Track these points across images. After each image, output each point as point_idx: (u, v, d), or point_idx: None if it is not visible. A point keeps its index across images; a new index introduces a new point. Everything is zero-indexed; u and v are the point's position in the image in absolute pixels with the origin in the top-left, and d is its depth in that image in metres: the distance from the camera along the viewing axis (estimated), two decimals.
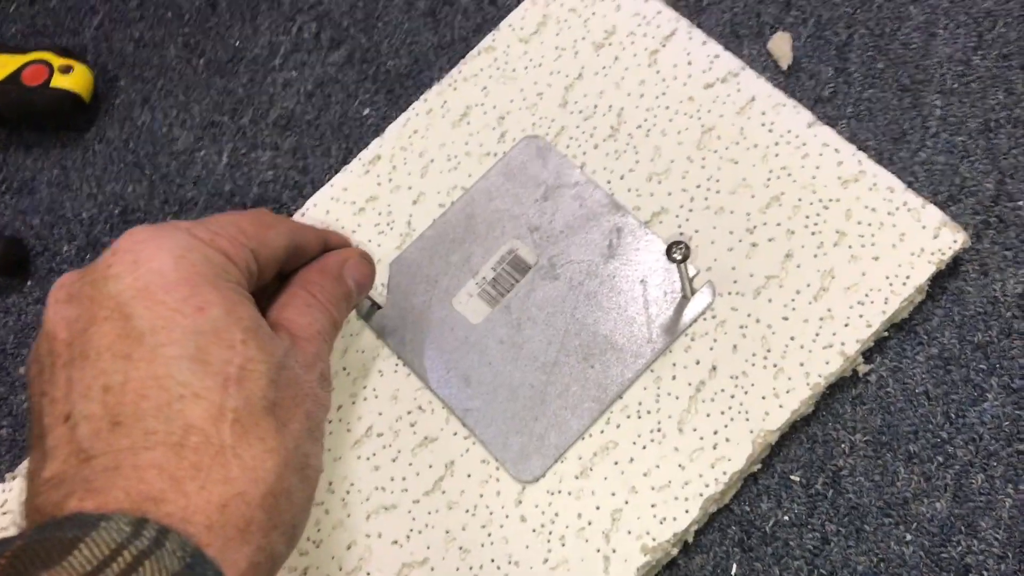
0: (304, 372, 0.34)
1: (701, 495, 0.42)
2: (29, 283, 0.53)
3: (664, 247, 0.46)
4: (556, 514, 0.43)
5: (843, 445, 0.44)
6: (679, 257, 0.41)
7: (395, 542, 0.43)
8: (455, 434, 0.45)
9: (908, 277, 0.44)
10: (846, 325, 0.44)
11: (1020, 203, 0.46)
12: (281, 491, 0.30)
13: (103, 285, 0.31)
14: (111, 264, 0.32)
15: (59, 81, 0.54)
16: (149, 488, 0.28)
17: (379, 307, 0.48)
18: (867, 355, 0.44)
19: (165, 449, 0.29)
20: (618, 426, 0.44)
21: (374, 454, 0.45)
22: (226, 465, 0.29)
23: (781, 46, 0.51)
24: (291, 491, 0.31)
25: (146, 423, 0.29)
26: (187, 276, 0.31)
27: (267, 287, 0.38)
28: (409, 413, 0.46)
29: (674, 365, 0.44)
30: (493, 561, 0.43)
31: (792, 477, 0.44)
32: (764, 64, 0.51)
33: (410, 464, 0.45)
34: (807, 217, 0.46)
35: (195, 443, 0.29)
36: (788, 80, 0.50)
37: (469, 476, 0.44)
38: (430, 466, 0.45)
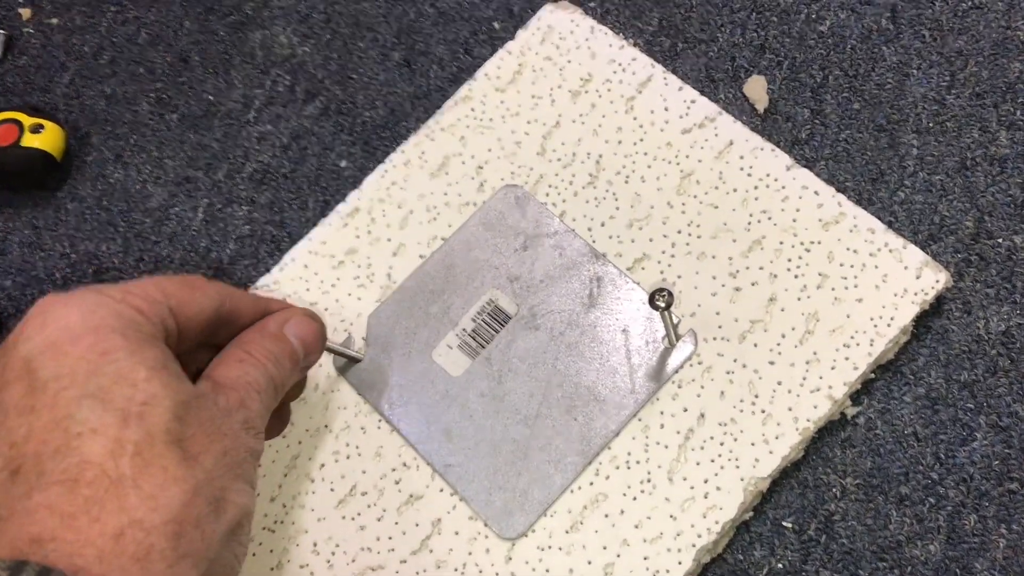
0: (224, 415, 0.33)
1: (694, 546, 0.41)
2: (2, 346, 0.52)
3: (645, 295, 0.46)
4: (547, 570, 0.42)
5: (834, 489, 0.43)
6: (662, 304, 0.41)
7: None
8: (441, 491, 0.44)
9: (892, 318, 0.44)
10: (833, 368, 0.43)
11: (1000, 240, 0.46)
12: (187, 519, 0.30)
13: (13, 349, 0.32)
14: (22, 330, 0.32)
15: (30, 141, 0.54)
16: (39, 529, 0.28)
17: (358, 360, 0.47)
18: (855, 397, 0.44)
19: (59, 488, 0.29)
20: (607, 477, 0.43)
21: (359, 513, 0.44)
22: (123, 496, 0.29)
23: (757, 89, 0.51)
24: (200, 521, 0.31)
25: (42, 466, 0.29)
26: (94, 327, 0.32)
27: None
28: (393, 470, 0.45)
29: (662, 413, 0.44)
30: None
31: (785, 524, 0.43)
32: (741, 108, 0.51)
33: (396, 523, 0.44)
34: (789, 260, 0.46)
35: (90, 478, 0.29)
36: (765, 123, 0.51)
37: (457, 534, 0.43)
38: (416, 524, 0.44)
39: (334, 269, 0.49)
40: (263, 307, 0.39)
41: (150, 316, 0.34)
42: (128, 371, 0.31)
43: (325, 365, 0.47)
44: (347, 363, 0.47)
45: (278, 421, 0.42)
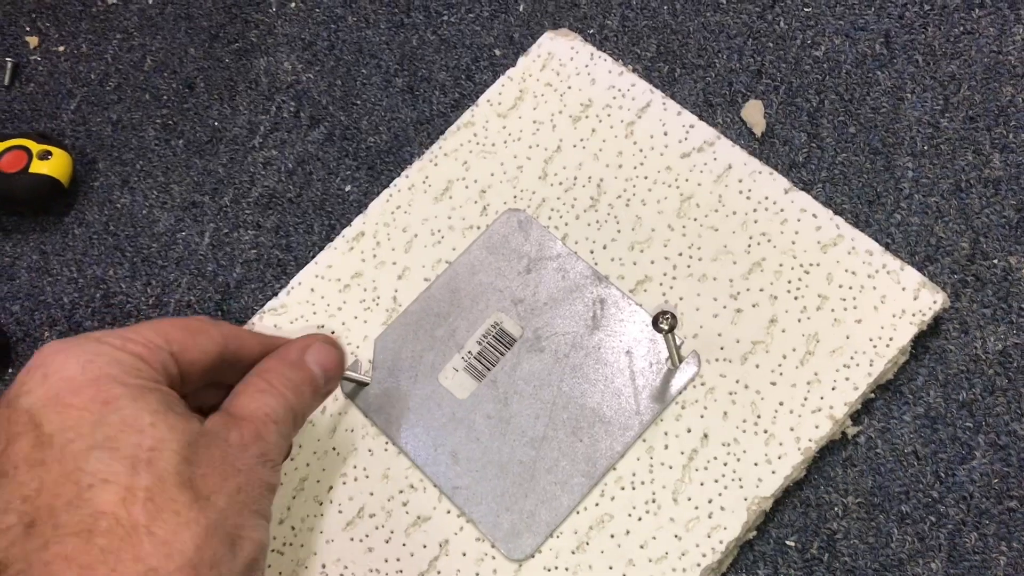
0: (239, 450, 0.34)
1: (699, 565, 0.42)
2: (10, 371, 0.53)
3: (648, 317, 0.47)
4: None
5: (836, 508, 0.44)
6: (666, 327, 0.41)
7: None
8: (448, 512, 0.45)
9: (891, 339, 0.45)
10: (833, 388, 0.44)
11: (995, 261, 0.47)
12: (202, 561, 0.30)
13: (16, 403, 0.32)
14: (24, 382, 0.33)
15: (38, 167, 0.54)
16: None
17: (365, 384, 0.48)
18: (855, 417, 0.45)
19: (75, 539, 0.29)
20: (612, 498, 0.44)
21: (367, 535, 0.45)
22: (137, 544, 0.29)
23: (754, 114, 0.52)
24: (216, 561, 0.31)
25: (57, 519, 0.30)
26: (94, 377, 0.32)
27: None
28: (401, 492, 0.45)
29: (666, 434, 0.44)
30: None
31: (788, 542, 0.44)
32: (738, 132, 0.52)
33: (404, 544, 0.44)
34: (789, 282, 0.46)
35: (104, 527, 0.30)
36: (762, 147, 0.51)
37: (464, 555, 0.44)
38: (424, 546, 0.44)
39: (340, 293, 0.50)
40: (269, 346, 0.39)
41: (151, 362, 0.34)
42: (133, 418, 0.31)
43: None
44: (355, 387, 0.48)
45: None
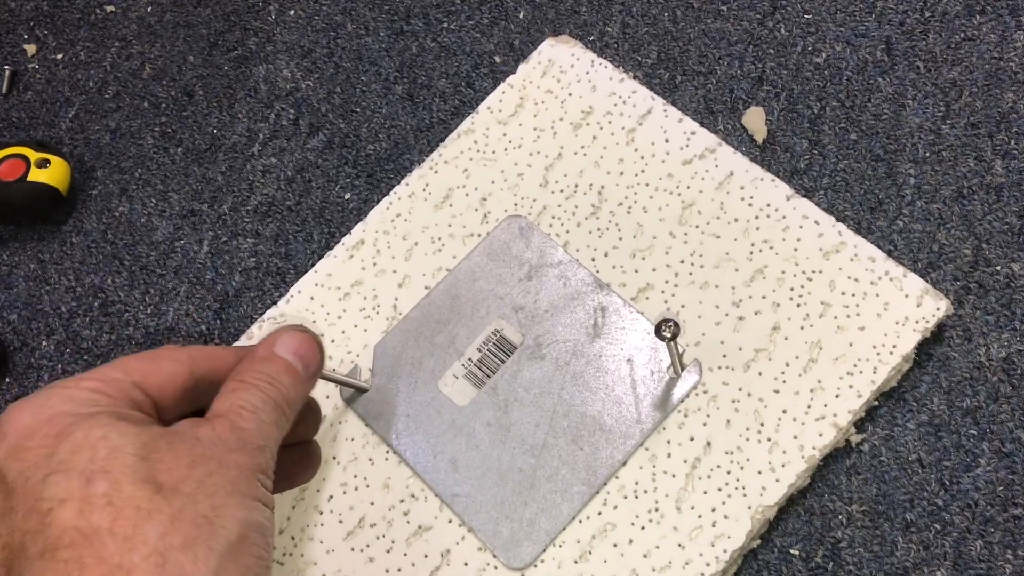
0: (211, 443, 0.33)
1: (703, 574, 0.42)
2: (7, 380, 0.52)
3: (649, 325, 0.46)
4: None
5: (840, 516, 0.44)
6: (669, 335, 0.41)
7: None
8: (450, 522, 0.44)
9: (895, 346, 0.44)
10: (837, 396, 0.44)
11: (998, 268, 0.47)
12: (171, 546, 0.30)
13: None
14: None
15: (36, 175, 0.54)
16: None
17: (364, 391, 0.47)
18: (859, 425, 0.45)
19: (40, 561, 0.30)
20: (615, 507, 0.43)
21: (368, 545, 0.44)
22: (100, 546, 0.30)
23: (755, 121, 0.52)
24: (190, 543, 0.30)
25: (27, 551, 0.30)
26: (47, 418, 0.33)
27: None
28: (402, 502, 0.45)
29: (668, 442, 0.44)
30: None
31: (792, 551, 0.43)
32: (740, 139, 0.52)
33: (405, 554, 0.44)
34: (791, 289, 0.46)
35: (67, 542, 0.30)
36: (764, 154, 0.51)
37: (466, 565, 0.43)
38: (425, 556, 0.44)
39: (340, 301, 0.50)
40: (244, 356, 0.39)
41: (109, 393, 0.34)
42: (83, 439, 0.32)
43: (332, 397, 0.48)
44: (354, 394, 0.47)
45: (307, 459, 0.42)
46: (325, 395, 0.48)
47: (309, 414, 0.41)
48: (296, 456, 0.40)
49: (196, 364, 0.37)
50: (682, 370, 0.45)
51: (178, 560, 0.30)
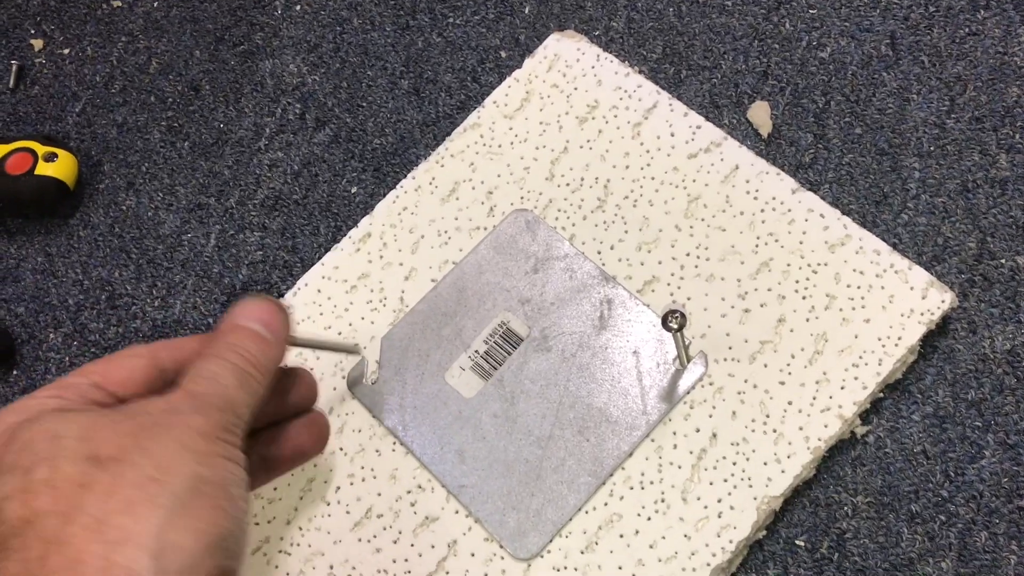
0: (162, 412, 0.33)
1: (708, 565, 0.42)
2: (15, 372, 0.53)
3: (655, 317, 0.47)
4: None
5: (846, 507, 0.44)
6: (675, 326, 0.41)
7: None
8: (456, 512, 0.44)
9: (900, 338, 0.45)
10: (842, 388, 0.44)
11: (1003, 261, 0.47)
12: (113, 511, 0.30)
13: None
14: None
15: (44, 169, 0.54)
16: None
17: (354, 353, 0.47)
18: (864, 416, 0.45)
19: (16, 555, 0.30)
20: (621, 498, 0.44)
21: (375, 536, 0.45)
22: (41, 528, 0.30)
23: (760, 115, 0.52)
24: (135, 503, 0.30)
25: None
26: None
27: None
28: (409, 492, 0.45)
29: (674, 434, 0.44)
30: None
31: (797, 542, 0.43)
32: (745, 133, 0.52)
33: (412, 545, 0.44)
34: (797, 282, 0.46)
35: (15, 530, 0.30)
36: (769, 147, 0.52)
37: (473, 555, 0.43)
38: (432, 546, 0.44)
39: (347, 294, 0.50)
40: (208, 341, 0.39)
41: (63, 396, 0.34)
42: (28, 438, 0.32)
43: (339, 388, 0.48)
44: (360, 384, 0.47)
45: (313, 430, 0.41)
46: (332, 387, 0.48)
47: (299, 383, 0.41)
48: (301, 428, 0.40)
49: (158, 356, 0.37)
50: (688, 362, 0.45)
51: (117, 523, 0.30)
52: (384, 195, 0.52)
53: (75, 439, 0.32)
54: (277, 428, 0.40)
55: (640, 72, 0.54)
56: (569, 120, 0.52)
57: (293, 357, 0.48)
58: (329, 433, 0.42)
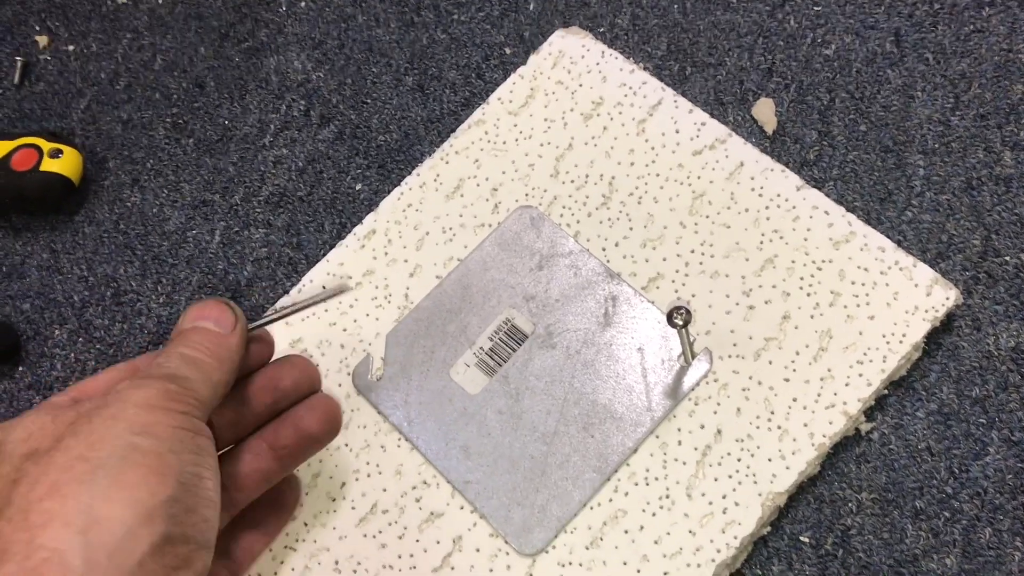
0: (100, 402, 0.34)
1: (713, 561, 0.42)
2: (21, 369, 0.53)
3: (660, 314, 0.47)
4: None
5: (850, 504, 0.44)
6: (680, 322, 0.41)
7: None
8: (462, 508, 0.45)
9: (904, 335, 0.45)
10: (847, 384, 0.44)
11: (1007, 258, 0.47)
12: (30, 503, 0.31)
13: None
14: None
15: (49, 165, 0.54)
16: None
17: (347, 290, 0.47)
18: (868, 413, 0.45)
19: None
20: (626, 494, 0.44)
21: (380, 531, 0.45)
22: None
23: (765, 112, 0.52)
24: (58, 488, 0.31)
25: None
26: None
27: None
28: (414, 488, 0.45)
29: (679, 430, 0.44)
30: None
31: (802, 538, 0.44)
32: (749, 130, 0.52)
33: (417, 540, 0.44)
34: (801, 279, 0.46)
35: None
36: (774, 145, 0.52)
37: (478, 551, 0.44)
38: (438, 542, 0.44)
39: (352, 290, 0.50)
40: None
41: (37, 414, 0.35)
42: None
43: (344, 385, 0.48)
44: (367, 381, 0.48)
45: (319, 412, 0.41)
46: (338, 383, 0.48)
47: (292, 368, 0.41)
48: (304, 412, 0.41)
49: (137, 368, 0.38)
50: (693, 358, 0.45)
51: (41, 508, 0.30)
52: (389, 192, 0.53)
53: (17, 441, 0.33)
54: (281, 415, 0.40)
55: (645, 69, 0.54)
56: (574, 117, 0.52)
57: (287, 345, 0.48)
58: (339, 414, 0.41)
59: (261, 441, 0.39)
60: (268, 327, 0.41)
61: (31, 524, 0.30)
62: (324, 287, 0.48)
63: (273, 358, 0.42)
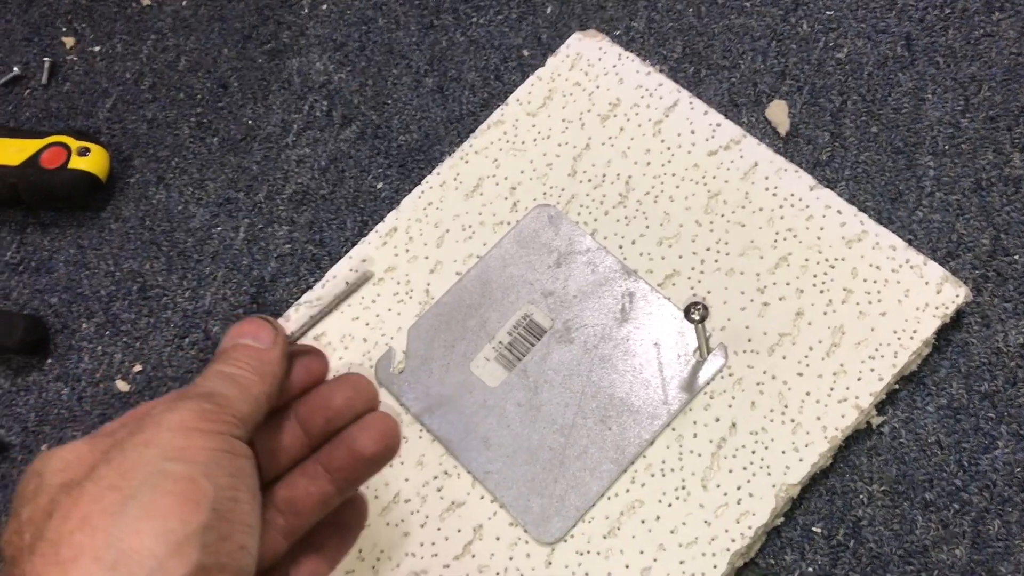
0: (137, 422, 0.33)
1: (728, 550, 0.43)
2: (49, 361, 0.54)
3: (676, 310, 0.48)
4: (586, 574, 0.43)
5: (861, 496, 0.45)
6: (698, 317, 0.42)
7: None
8: (482, 498, 0.46)
9: (915, 331, 0.46)
10: (859, 379, 0.45)
11: (1016, 257, 0.48)
12: (69, 531, 0.30)
13: None
14: None
15: (77, 163, 0.56)
16: None
17: (369, 277, 0.47)
18: (880, 407, 0.46)
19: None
20: (643, 485, 0.45)
21: (402, 520, 0.46)
22: (33, 552, 0.30)
23: (778, 113, 0.53)
24: (88, 519, 0.30)
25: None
26: None
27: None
28: (435, 478, 0.46)
29: (695, 423, 0.45)
30: None
31: (814, 529, 0.45)
32: (763, 131, 0.53)
33: (439, 529, 0.45)
34: (815, 276, 0.48)
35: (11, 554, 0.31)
36: (787, 145, 0.53)
37: (498, 539, 0.45)
38: (459, 530, 0.45)
39: (374, 286, 0.51)
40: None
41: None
42: (21, 485, 0.33)
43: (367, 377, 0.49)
44: (389, 374, 0.49)
45: (371, 431, 0.38)
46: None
47: (344, 387, 0.38)
48: (357, 432, 0.38)
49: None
50: (708, 353, 0.47)
51: (72, 542, 0.29)
52: (409, 191, 0.54)
53: (54, 472, 0.31)
54: (336, 436, 0.38)
55: (661, 71, 0.55)
56: (591, 117, 0.53)
57: (310, 339, 0.49)
58: (396, 433, 0.38)
59: (316, 464, 0.37)
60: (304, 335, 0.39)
61: (62, 559, 0.29)
62: (347, 282, 0.50)
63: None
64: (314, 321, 0.40)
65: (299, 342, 0.38)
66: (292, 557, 0.38)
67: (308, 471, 0.37)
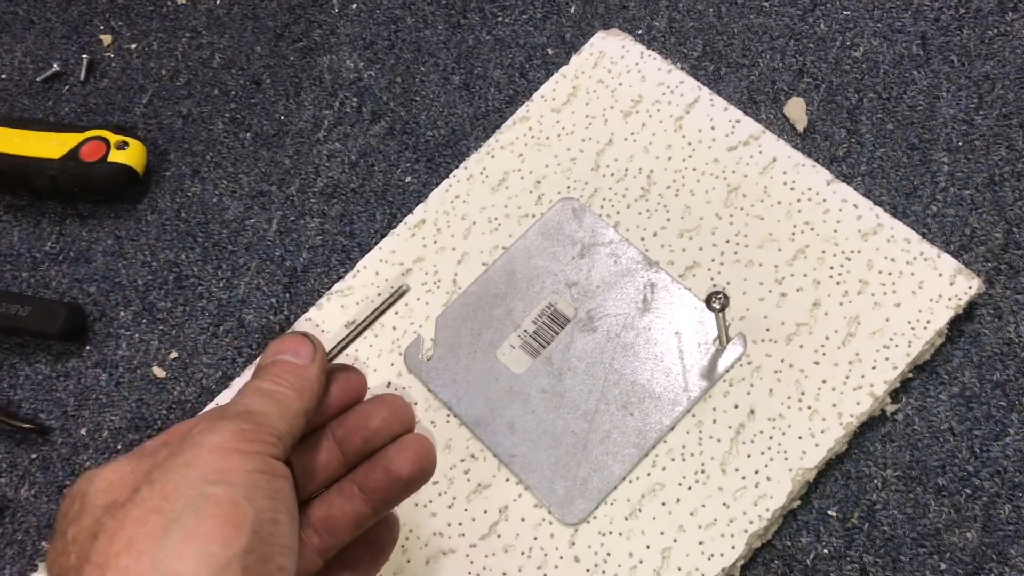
0: (179, 443, 0.33)
1: (746, 531, 0.44)
2: (88, 348, 0.56)
3: (697, 300, 0.49)
4: (608, 554, 0.45)
5: (876, 480, 0.46)
6: (718, 306, 0.44)
7: None
8: (507, 480, 0.47)
9: (928, 321, 0.47)
10: (873, 367, 0.47)
11: None
12: (113, 554, 0.30)
13: None
14: None
15: (116, 156, 0.58)
16: None
17: (405, 291, 0.48)
18: (894, 395, 0.47)
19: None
20: (664, 469, 0.46)
21: (431, 501, 0.47)
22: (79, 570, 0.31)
23: (796, 110, 0.55)
24: (134, 542, 0.30)
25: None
26: None
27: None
28: (462, 461, 0.48)
29: (714, 409, 0.47)
30: None
31: (830, 512, 0.46)
32: (781, 127, 0.55)
33: (465, 510, 0.47)
34: (831, 268, 0.49)
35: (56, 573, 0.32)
36: (804, 141, 0.54)
37: (523, 520, 0.46)
38: (485, 511, 0.47)
39: (403, 276, 0.53)
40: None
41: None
42: (65, 505, 0.34)
43: (397, 364, 0.51)
44: (417, 361, 0.50)
45: (408, 452, 0.38)
46: (390, 363, 0.51)
47: (382, 407, 0.39)
48: (394, 452, 0.38)
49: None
50: (728, 342, 0.48)
51: (118, 565, 0.29)
52: (437, 184, 0.55)
53: (98, 492, 0.32)
54: (373, 456, 0.38)
55: (682, 69, 0.57)
56: (614, 114, 0.55)
57: (340, 327, 0.51)
58: (432, 455, 0.39)
59: (352, 484, 0.37)
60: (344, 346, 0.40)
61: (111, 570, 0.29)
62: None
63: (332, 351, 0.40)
64: (351, 338, 0.40)
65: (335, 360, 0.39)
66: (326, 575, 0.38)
67: (344, 491, 0.37)
